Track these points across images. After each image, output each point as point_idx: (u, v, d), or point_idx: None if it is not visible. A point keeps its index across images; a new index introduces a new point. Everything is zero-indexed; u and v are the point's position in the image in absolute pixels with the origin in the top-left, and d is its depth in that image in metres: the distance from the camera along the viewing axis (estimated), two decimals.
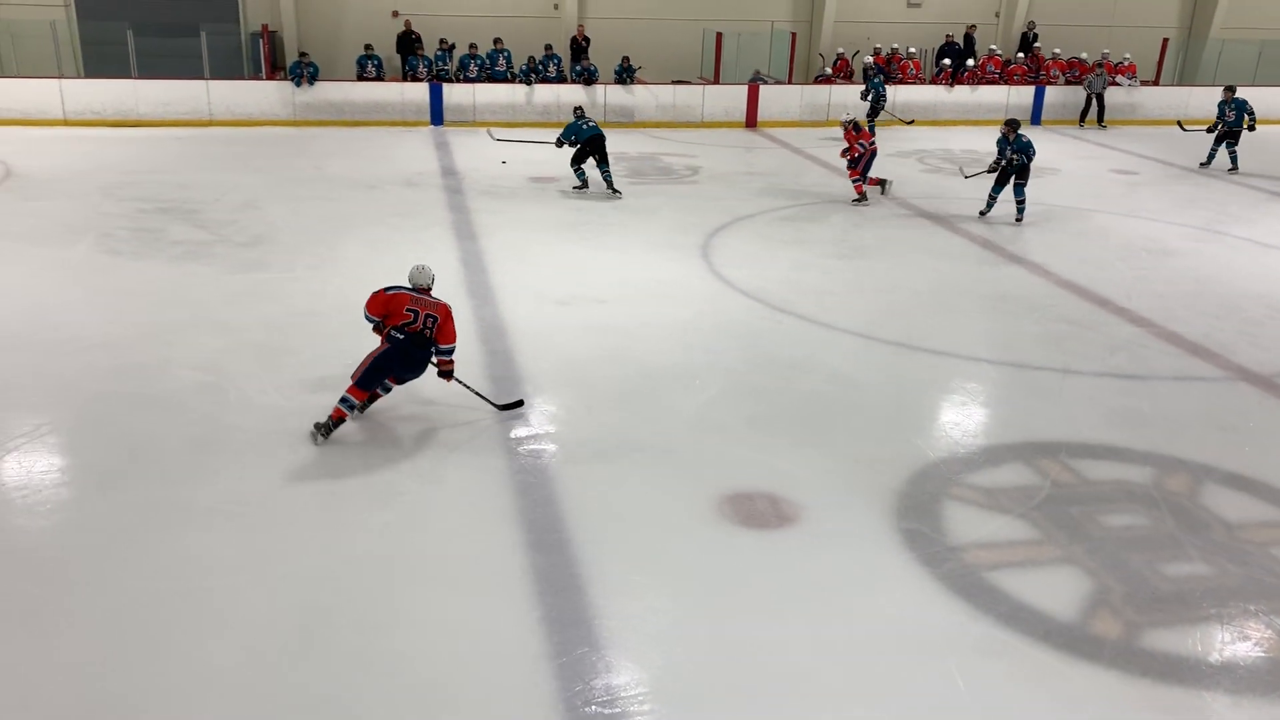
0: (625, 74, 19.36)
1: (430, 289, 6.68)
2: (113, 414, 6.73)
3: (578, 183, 13.46)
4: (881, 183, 13.82)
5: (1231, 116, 15.63)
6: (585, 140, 13.07)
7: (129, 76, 17.59)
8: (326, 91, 18.08)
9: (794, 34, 21.46)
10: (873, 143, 13.31)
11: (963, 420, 7.23)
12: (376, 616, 4.74)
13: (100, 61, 18.54)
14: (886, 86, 19.10)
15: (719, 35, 20.81)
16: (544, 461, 6.26)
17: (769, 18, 21.93)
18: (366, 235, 11.14)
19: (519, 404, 6.97)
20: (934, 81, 21.08)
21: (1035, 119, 20.90)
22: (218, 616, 4.71)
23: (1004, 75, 21.12)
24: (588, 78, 19.08)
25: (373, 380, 6.48)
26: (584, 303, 9.17)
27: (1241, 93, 15.87)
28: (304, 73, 17.86)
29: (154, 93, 17.40)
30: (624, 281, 9.82)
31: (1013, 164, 12.22)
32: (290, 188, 13.30)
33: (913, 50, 21.24)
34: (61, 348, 7.74)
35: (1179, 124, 17.58)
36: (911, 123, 19.45)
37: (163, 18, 18.87)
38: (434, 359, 6.61)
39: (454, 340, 6.58)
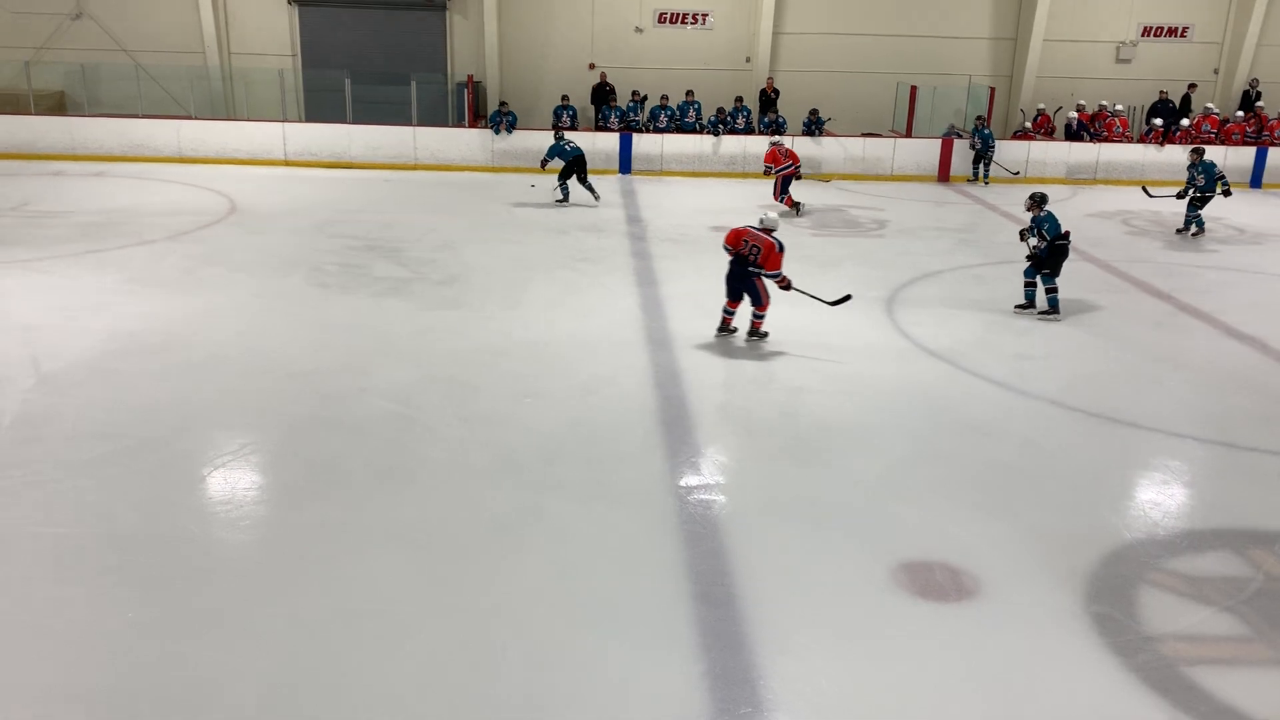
0: (814, 126, 19.32)
1: (772, 230, 9.14)
2: (310, 437, 7.13)
3: (560, 196, 15.87)
4: (796, 205, 15.69)
5: (1201, 180, 14.61)
6: (570, 160, 15.57)
7: (344, 121, 18.86)
8: (523, 139, 18.84)
9: (992, 88, 20.91)
10: (790, 164, 15.68)
11: (1164, 500, 6.73)
12: (545, 655, 4.79)
13: (320, 107, 19.98)
14: (995, 138, 19.11)
15: (913, 89, 20.51)
16: (713, 512, 6.22)
17: (967, 71, 21.45)
18: (553, 278, 11.47)
19: (848, 298, 9.58)
20: (1142, 140, 20.05)
21: (1255, 182, 19.54)
22: (396, 640, 4.88)
23: (1221, 135, 19.86)
24: (776, 129, 19.15)
25: (729, 292, 9.38)
26: (761, 354, 9.11)
27: None
28: (503, 121, 18.68)
29: (366, 137, 18.59)
30: (803, 333, 9.70)
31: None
32: (485, 230, 13.87)
33: (1119, 108, 20.29)
34: (269, 371, 8.28)
35: (1144, 188, 15.51)
36: (1017, 174, 18.97)
37: (378, 67, 20.18)
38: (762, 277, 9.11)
39: (777, 268, 9.09)
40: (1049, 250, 10.30)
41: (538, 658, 4.78)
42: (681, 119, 19.53)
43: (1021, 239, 10.62)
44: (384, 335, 9.33)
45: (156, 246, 12.25)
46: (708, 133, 19.26)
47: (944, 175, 19.27)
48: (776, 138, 16.73)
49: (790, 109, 19.92)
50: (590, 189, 15.87)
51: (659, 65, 21.10)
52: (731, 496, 6.43)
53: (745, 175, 18.91)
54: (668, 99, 19.52)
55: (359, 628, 4.96)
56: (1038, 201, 10.44)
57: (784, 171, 15.74)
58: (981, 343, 9.62)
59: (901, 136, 20.09)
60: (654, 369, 8.63)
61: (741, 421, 7.65)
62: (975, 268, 12.70)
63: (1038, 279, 10.52)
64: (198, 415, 7.49)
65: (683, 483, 6.59)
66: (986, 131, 18.81)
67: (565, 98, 19.70)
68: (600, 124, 19.68)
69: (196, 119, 18.90)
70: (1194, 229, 14.84)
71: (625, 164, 18.95)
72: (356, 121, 18.86)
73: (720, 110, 19.33)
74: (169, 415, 7.40)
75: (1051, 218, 10.32)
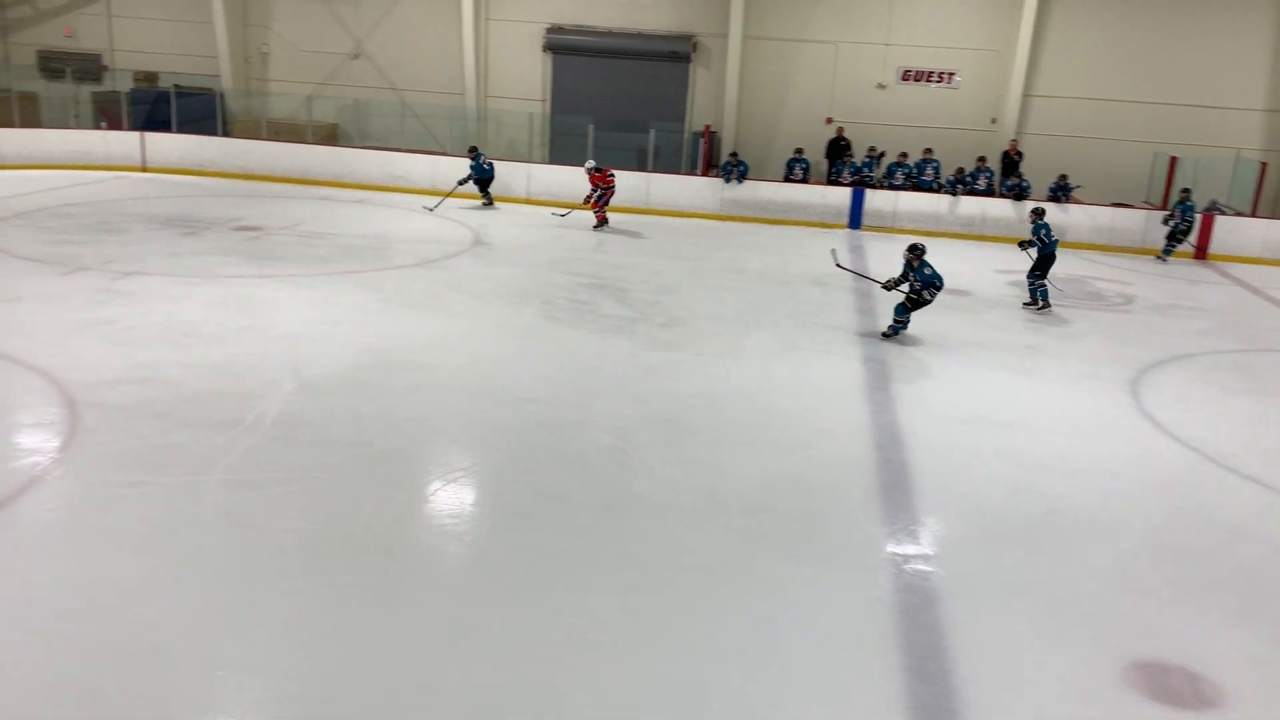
0: (1060, 192, 18.47)
1: None
2: (533, 464, 7.40)
3: (485, 200, 18.36)
4: (604, 221, 17.06)
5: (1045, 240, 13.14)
6: (488, 177, 18.19)
7: (583, 165, 19.64)
8: (754, 190, 19.01)
9: (1264, 164, 19.34)
10: (608, 185, 17.04)
11: None
12: (749, 709, 4.74)
13: (562, 150, 20.92)
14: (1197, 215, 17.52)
15: (1173, 159, 19.27)
16: (930, 584, 5.98)
17: (1235, 144, 19.96)
18: (775, 328, 11.45)
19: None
20: None
21: None
22: (600, 672, 4.95)
23: None
24: (1019, 193, 18.45)
25: None
26: (989, 425, 8.74)
27: None
28: (734, 171, 18.94)
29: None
30: (1036, 408, 9.24)
31: None
32: (709, 277, 14.05)
33: None
34: (498, 397, 8.67)
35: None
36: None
37: (620, 114, 20.95)
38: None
39: None
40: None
41: (742, 709, 4.72)
42: (918, 177, 19.17)
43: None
44: (608, 371, 9.59)
45: (407, 271, 13.14)
46: (945, 192, 18.80)
47: (1201, 253, 17.94)
48: (591, 163, 17.54)
49: (1035, 173, 19.15)
50: (489, 200, 18.46)
51: (898, 122, 20.83)
52: (950, 570, 6.17)
53: (982, 238, 18.30)
54: (906, 156, 19.22)
55: (567, 655, 5.07)
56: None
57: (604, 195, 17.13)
58: (1236, 434, 8.85)
59: (1156, 209, 18.89)
60: (874, 429, 8.44)
61: (965, 493, 7.34)
62: (1232, 353, 11.72)
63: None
64: (435, 431, 7.94)
65: (898, 550, 6.39)
66: (1189, 204, 17.41)
67: (799, 150, 19.76)
68: (833, 178, 19.59)
69: (450, 155, 20.19)
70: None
71: (855, 219, 18.76)
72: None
73: (959, 170, 18.83)
74: (409, 428, 7.88)
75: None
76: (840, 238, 17.84)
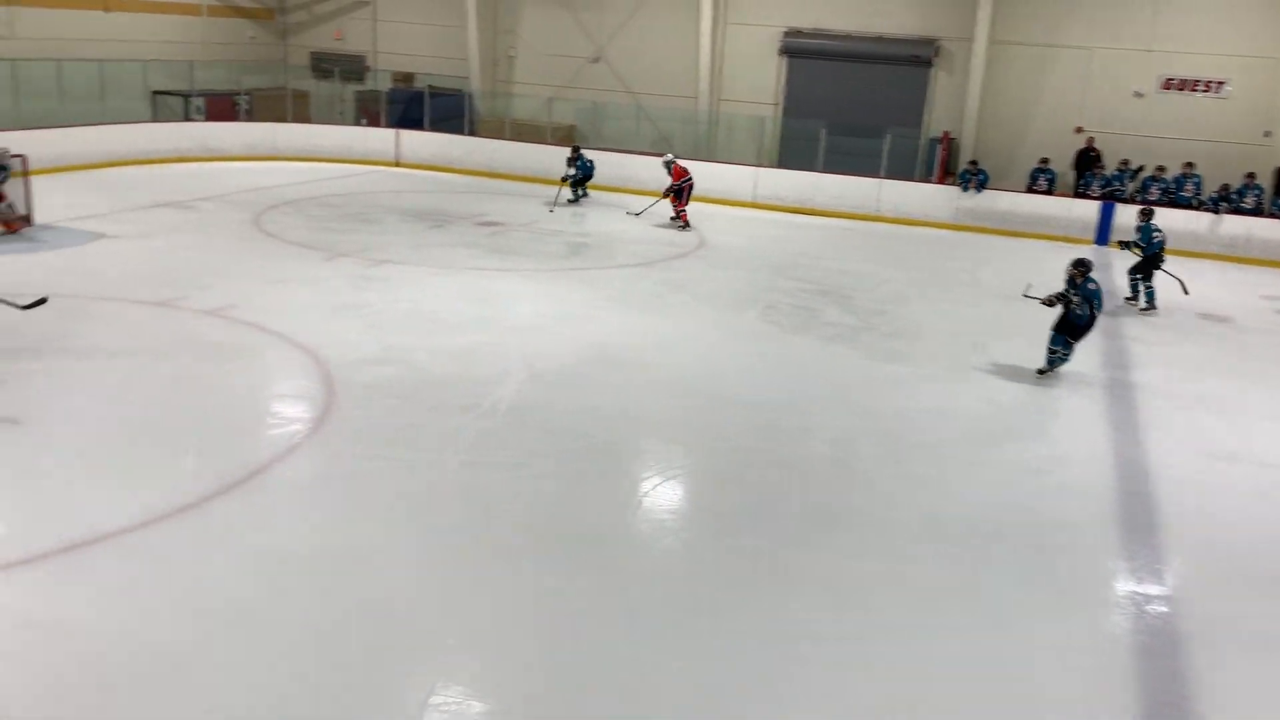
0: None
1: None
2: (748, 468, 7.39)
3: (571, 196, 18.05)
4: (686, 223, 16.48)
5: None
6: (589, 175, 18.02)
7: (814, 169, 19.44)
8: (993, 200, 18.21)
9: None
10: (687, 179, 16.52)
11: None
12: None
13: (792, 154, 20.77)
14: None
15: None
16: (1173, 627, 5.55)
17: None
18: (1006, 346, 10.90)
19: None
20: None
21: None
22: (806, 681, 4.88)
23: None
24: None
25: None
26: (1251, 464, 7.99)
27: None
28: (973, 179, 18.20)
29: (832, 186, 19.03)
30: None
31: None
32: (940, 288, 13.58)
33: None
34: (716, 399, 8.72)
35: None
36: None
37: (854, 119, 20.58)
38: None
39: None
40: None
41: None
42: (1176, 192, 17.78)
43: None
44: (828, 379, 9.45)
45: (632, 270, 13.43)
46: (1206, 209, 17.35)
47: None
48: (669, 156, 17.25)
49: None
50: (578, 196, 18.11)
51: (1156, 133, 19.37)
52: (1197, 614, 5.70)
53: (1247, 260, 16.78)
54: (1164, 170, 17.87)
55: (776, 662, 5.03)
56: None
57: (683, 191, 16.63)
58: None
59: None
60: (1116, 459, 7.90)
61: (1218, 535, 6.75)
62: None
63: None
64: (653, 428, 8.09)
65: (1139, 589, 5.96)
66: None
67: (1045, 160, 18.76)
68: (1080, 190, 18.48)
69: (681, 157, 20.48)
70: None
71: (1103, 234, 17.62)
72: (826, 170, 19.35)
73: (1224, 186, 17.32)
74: (628, 424, 8.06)
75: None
76: (1086, 253, 16.78)
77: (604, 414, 8.19)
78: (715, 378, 9.29)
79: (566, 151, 19.00)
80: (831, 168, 19.40)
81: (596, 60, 23.19)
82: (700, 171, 19.95)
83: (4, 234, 12.57)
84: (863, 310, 12.04)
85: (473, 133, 21.80)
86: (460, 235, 14.79)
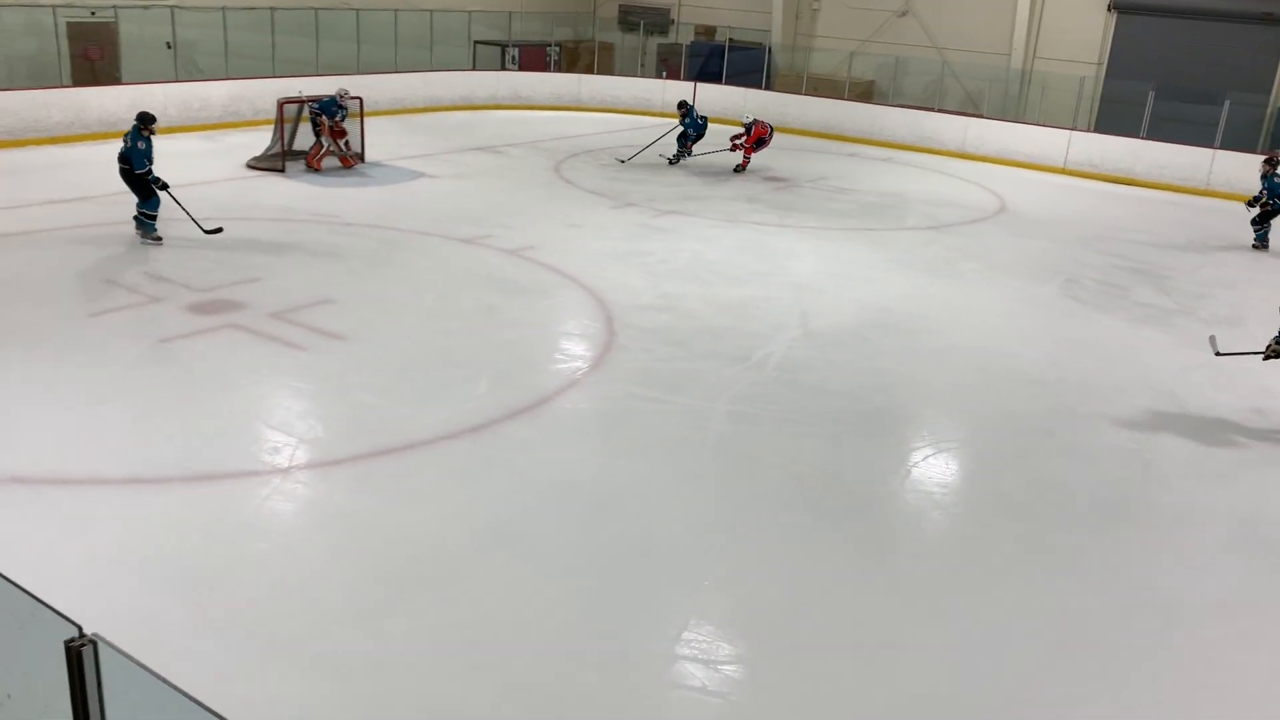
0: None
1: None
2: (1033, 450, 6.96)
3: (675, 154, 16.29)
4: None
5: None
6: (701, 133, 16.18)
7: (1135, 136, 17.80)
8: None
9: None
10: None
11: None
12: None
13: (1112, 119, 19.10)
14: None
15: None
16: None
17: None
18: None
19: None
20: None
21: None
22: (1089, 686, 4.56)
23: None
24: None
25: None
26: None
27: None
28: None
29: (1154, 155, 17.35)
30: None
31: None
32: (1273, 274, 12.09)
33: None
34: (1003, 375, 8.24)
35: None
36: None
37: (1189, 82, 18.62)
38: None
39: None
40: None
41: None
42: None
43: None
44: (1133, 364, 8.69)
45: (922, 234, 12.91)
46: None
47: None
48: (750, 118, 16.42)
49: None
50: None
51: None
52: None
53: None
54: None
55: (1045, 656, 4.74)
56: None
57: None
58: None
59: None
60: None
61: None
62: None
63: None
64: (931, 397, 7.79)
65: None
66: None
67: None
68: None
69: (986, 118, 19.39)
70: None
71: None
72: (1150, 137, 17.68)
73: None
74: (906, 391, 7.81)
75: None
76: None
77: (879, 378, 7.97)
78: (1005, 352, 8.79)
79: (870, 109, 18.51)
80: (1156, 135, 17.70)
81: (904, 14, 22.34)
82: (1008, 133, 18.87)
83: (340, 169, 13.93)
84: (1180, 292, 10.96)
85: (768, 87, 21.69)
86: (746, 189, 14.81)
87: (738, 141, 15.93)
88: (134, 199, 10.10)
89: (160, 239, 10.06)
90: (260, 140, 14.61)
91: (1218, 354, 7.99)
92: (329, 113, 13.78)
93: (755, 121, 16.15)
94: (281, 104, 13.91)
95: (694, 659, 4.57)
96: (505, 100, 21.04)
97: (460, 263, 10.30)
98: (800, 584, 5.22)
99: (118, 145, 10.16)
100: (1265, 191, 12.91)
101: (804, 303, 9.67)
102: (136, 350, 7.48)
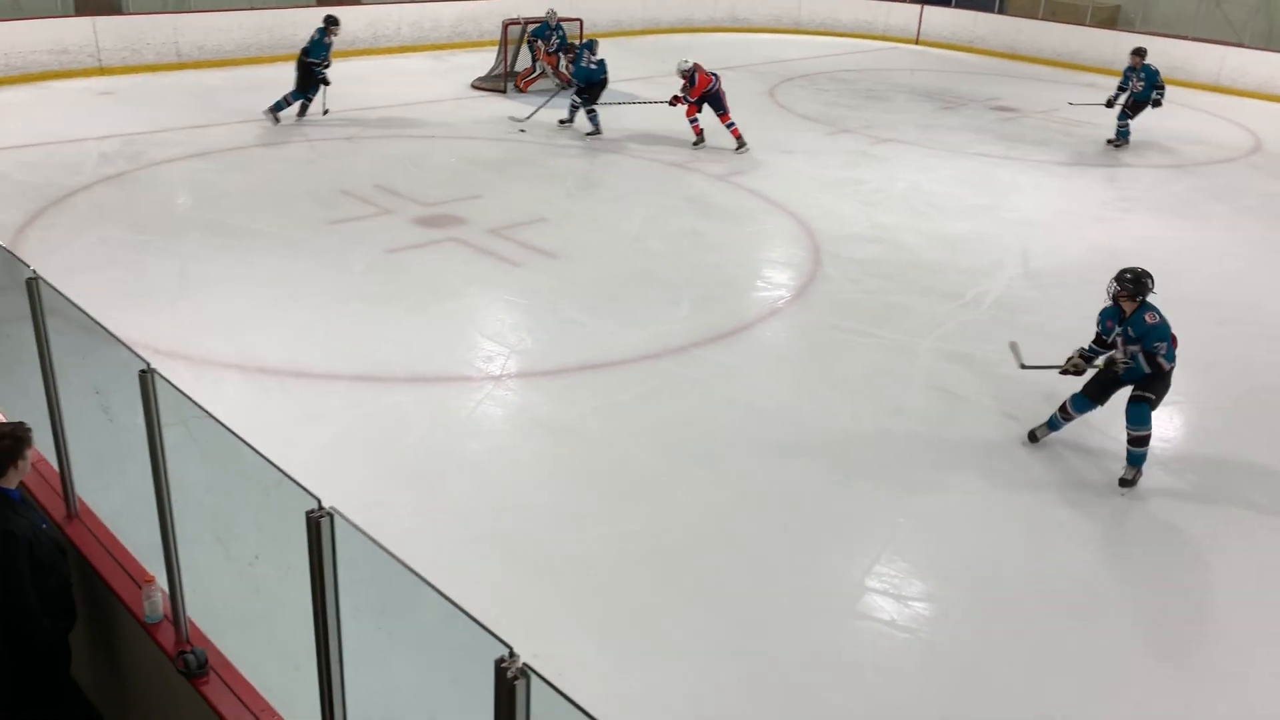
0: None
1: None
2: (1263, 409, 6.42)
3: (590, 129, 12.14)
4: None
5: (1140, 87, 12.06)
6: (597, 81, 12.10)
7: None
8: None
9: None
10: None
11: None
12: None
13: None
14: None
15: None
16: None
17: None
18: None
19: None
20: None
21: None
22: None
23: None
24: None
25: None
26: None
27: None
28: None
29: None
30: None
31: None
32: None
33: None
34: (1248, 328, 7.61)
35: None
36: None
37: None
38: None
39: None
40: None
41: None
42: None
43: None
44: None
45: (1164, 172, 11.94)
46: None
47: None
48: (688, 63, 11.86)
49: None
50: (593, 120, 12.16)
51: None
52: None
53: None
54: None
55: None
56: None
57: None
58: None
59: None
60: None
61: None
62: None
63: None
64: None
65: None
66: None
67: None
68: None
69: (1247, 47, 17.58)
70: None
71: None
72: None
73: None
74: None
75: None
76: None
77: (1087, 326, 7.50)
78: (1248, 302, 8.09)
79: (1113, 36, 17.08)
80: None
81: None
82: (1272, 65, 17.09)
83: (560, 88, 14.18)
84: None
85: (1001, 10, 20.41)
86: (970, 119, 14.10)
87: (681, 96, 11.77)
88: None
89: (278, 120, 11.36)
90: (485, 61, 15.08)
91: (1022, 366, 6.08)
92: (542, 36, 14.03)
93: (696, 69, 11.68)
94: (506, 25, 14.28)
95: (884, 592, 4.55)
96: (724, 23, 20.78)
97: (670, 186, 10.36)
98: (998, 531, 5.07)
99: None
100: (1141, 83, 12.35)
101: (1027, 240, 9.19)
102: (369, 258, 7.99)
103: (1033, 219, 9.80)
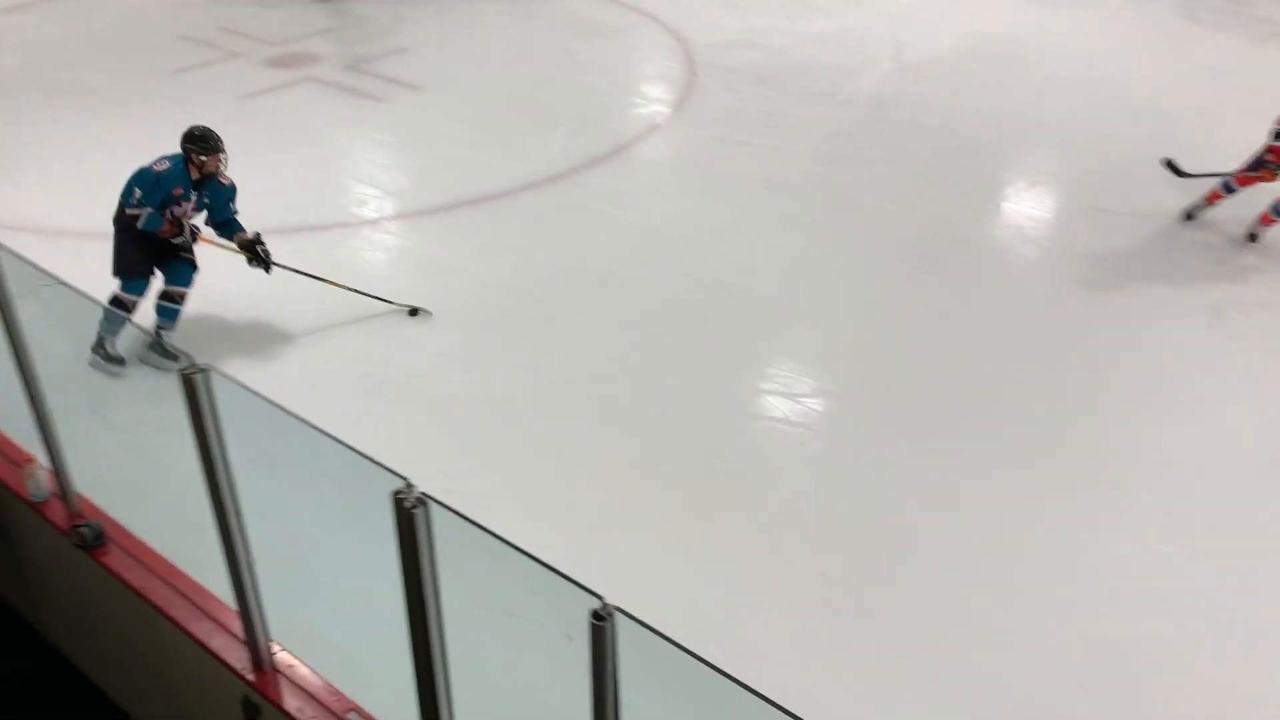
0: None
1: None
2: (1140, 181, 6.61)
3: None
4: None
5: None
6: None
7: None
8: None
9: None
10: None
11: None
12: None
13: None
14: None
15: None
16: None
17: None
18: None
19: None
20: None
21: None
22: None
23: None
24: None
25: None
26: None
27: None
28: None
29: None
30: None
31: None
32: None
33: None
34: (1111, 106, 7.76)
35: None
36: None
37: None
38: None
39: None
40: None
41: None
42: None
43: None
44: (1253, 88, 8.06)
45: None
46: None
47: None
48: None
49: None
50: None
51: None
52: None
53: None
54: None
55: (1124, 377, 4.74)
56: None
57: None
58: None
59: None
60: None
61: None
62: None
63: None
64: (1027, 130, 7.40)
65: None
66: None
67: None
68: None
69: None
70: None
71: None
72: None
73: None
74: (1003, 124, 7.44)
75: None
76: None
77: (973, 112, 7.59)
78: (1110, 79, 8.23)
79: None
80: None
81: None
82: None
83: None
84: None
85: None
86: None
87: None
88: None
89: None
90: None
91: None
92: None
93: None
94: None
95: (777, 393, 4.68)
96: None
97: (533, 4, 9.91)
98: (893, 322, 5.21)
99: None
100: None
101: (897, 33, 9.13)
102: (222, 107, 7.51)
103: (904, 11, 9.71)
